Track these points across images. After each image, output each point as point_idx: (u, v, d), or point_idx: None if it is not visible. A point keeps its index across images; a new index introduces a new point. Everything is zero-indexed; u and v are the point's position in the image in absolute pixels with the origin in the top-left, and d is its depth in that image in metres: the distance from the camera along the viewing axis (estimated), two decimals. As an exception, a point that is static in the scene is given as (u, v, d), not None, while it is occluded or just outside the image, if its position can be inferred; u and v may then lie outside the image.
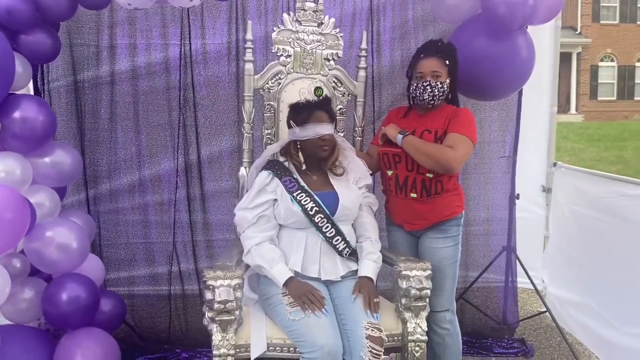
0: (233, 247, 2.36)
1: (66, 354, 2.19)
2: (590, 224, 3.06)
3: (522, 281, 3.21)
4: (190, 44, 2.79)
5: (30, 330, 2.25)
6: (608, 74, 23.57)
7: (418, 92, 2.23)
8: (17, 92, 2.36)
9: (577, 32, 21.20)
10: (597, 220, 2.98)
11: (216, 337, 1.98)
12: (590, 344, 3.02)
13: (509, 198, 3.11)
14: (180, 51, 2.78)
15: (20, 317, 2.29)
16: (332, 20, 2.46)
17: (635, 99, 23.45)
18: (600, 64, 23.42)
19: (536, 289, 3.16)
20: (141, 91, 2.83)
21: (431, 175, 2.22)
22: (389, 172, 2.32)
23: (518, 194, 3.12)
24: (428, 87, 2.21)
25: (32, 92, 2.67)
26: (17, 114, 2.19)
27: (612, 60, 23.49)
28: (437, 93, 2.22)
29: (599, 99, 23.23)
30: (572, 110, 22.06)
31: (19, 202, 2.00)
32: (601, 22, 23.00)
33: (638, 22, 23.28)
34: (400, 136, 2.22)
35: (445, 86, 2.23)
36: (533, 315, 3.27)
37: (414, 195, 2.26)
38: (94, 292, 2.28)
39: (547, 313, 3.14)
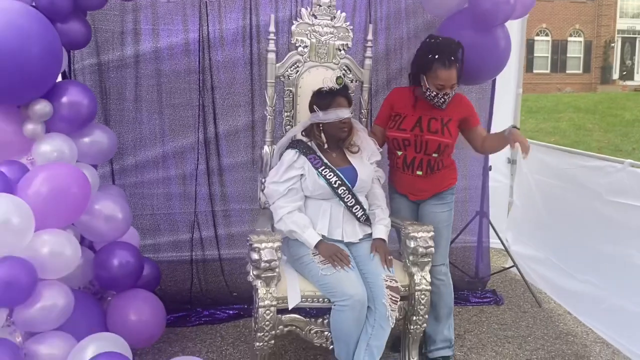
0: (261, 217, 2.68)
1: (120, 312, 2.47)
2: (550, 191, 3.58)
3: (491, 241, 3.71)
4: (208, 29, 3.03)
5: (83, 294, 2.50)
6: (543, 47, 24.86)
7: (437, 100, 2.54)
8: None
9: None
10: (556, 187, 3.50)
11: (261, 291, 2.30)
12: (549, 291, 3.57)
13: (482, 169, 3.58)
14: (199, 36, 3.01)
15: (70, 282, 2.53)
16: (344, 14, 2.76)
17: (567, 72, 24.95)
18: (536, 38, 24.62)
19: (505, 248, 3.68)
20: (163, 73, 3.06)
21: (436, 155, 2.60)
22: (399, 153, 2.67)
23: (490, 166, 3.60)
24: (447, 98, 2.54)
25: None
26: (65, 99, 2.41)
27: (546, 35, 24.75)
28: (448, 100, 2.57)
29: (534, 71, 24.51)
30: (512, 81, 23.15)
31: (81, 178, 2.24)
32: (537, -3, 24.08)
33: (571, -1, 24.60)
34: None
35: (455, 90, 2.58)
36: (501, 270, 3.80)
37: (419, 172, 2.64)
38: (139, 258, 2.56)
39: (514, 268, 3.69)
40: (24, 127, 2.34)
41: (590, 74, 25.10)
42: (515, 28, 3.72)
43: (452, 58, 2.49)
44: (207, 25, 3.03)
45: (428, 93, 2.56)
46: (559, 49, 24.95)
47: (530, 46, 24.40)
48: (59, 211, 2.15)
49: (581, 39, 25.13)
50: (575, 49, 25.19)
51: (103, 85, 3.01)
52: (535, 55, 24.65)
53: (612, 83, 24.36)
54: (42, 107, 2.32)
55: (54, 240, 2.10)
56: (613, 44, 24.92)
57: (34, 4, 2.37)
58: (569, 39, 25.04)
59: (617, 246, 2.90)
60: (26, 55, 2.17)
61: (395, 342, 2.77)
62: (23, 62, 2.16)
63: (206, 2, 2.97)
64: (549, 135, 10.64)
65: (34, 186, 2.12)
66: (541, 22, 24.25)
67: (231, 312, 3.17)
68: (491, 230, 3.63)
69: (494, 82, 3.46)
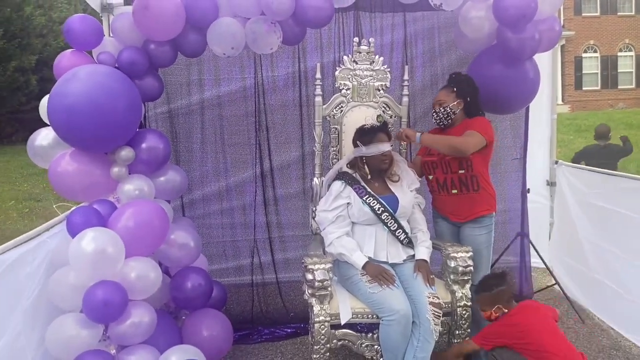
0: (313, 242, 2.99)
1: (194, 329, 2.81)
2: (587, 210, 3.71)
3: (533, 260, 3.87)
4: (262, 76, 3.43)
5: (162, 312, 2.85)
6: (591, 64, 24.38)
7: (432, 118, 2.96)
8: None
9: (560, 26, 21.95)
10: (593, 207, 3.64)
11: (316, 308, 2.59)
12: (592, 306, 3.69)
13: (521, 192, 3.77)
14: (255, 82, 3.42)
15: (151, 304, 2.90)
16: (381, 58, 3.08)
17: (619, 87, 24.34)
18: (584, 55, 24.21)
19: (547, 266, 3.83)
20: (224, 116, 3.50)
21: (463, 171, 2.84)
22: (430, 177, 2.97)
23: (529, 189, 3.79)
24: (434, 114, 2.93)
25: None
26: (144, 145, 2.80)
27: (594, 51, 24.29)
28: (442, 116, 2.91)
29: (584, 89, 24.06)
30: (559, 100, 22.81)
31: (161, 213, 2.61)
32: (583, 14, 23.77)
33: (618, 13, 24.10)
34: (418, 135, 2.85)
35: (448, 108, 2.88)
36: (544, 288, 3.94)
37: (454, 191, 2.90)
38: (209, 281, 2.90)
39: (556, 285, 3.82)
40: (111, 170, 2.75)
41: (644, 88, 24.41)
42: (545, 58, 3.92)
43: (449, 84, 2.92)
44: (262, 72, 3.44)
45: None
46: (609, 65, 24.42)
47: (578, 63, 24.03)
48: (144, 241, 2.52)
49: (632, 53, 24.51)
50: (626, 63, 24.58)
51: (173, 130, 3.45)
52: (584, 72, 24.22)
53: (669, 96, 23.57)
54: (126, 153, 2.72)
55: (140, 266, 2.46)
56: (666, 57, 24.18)
57: (116, 65, 2.80)
58: (619, 54, 24.47)
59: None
60: (113, 110, 2.55)
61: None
62: (111, 116, 2.55)
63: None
64: (598, 154, 10.46)
65: (123, 220, 2.49)
66: (588, 38, 23.87)
67: (289, 330, 3.46)
68: (533, 249, 3.79)
69: (527, 109, 3.67)
